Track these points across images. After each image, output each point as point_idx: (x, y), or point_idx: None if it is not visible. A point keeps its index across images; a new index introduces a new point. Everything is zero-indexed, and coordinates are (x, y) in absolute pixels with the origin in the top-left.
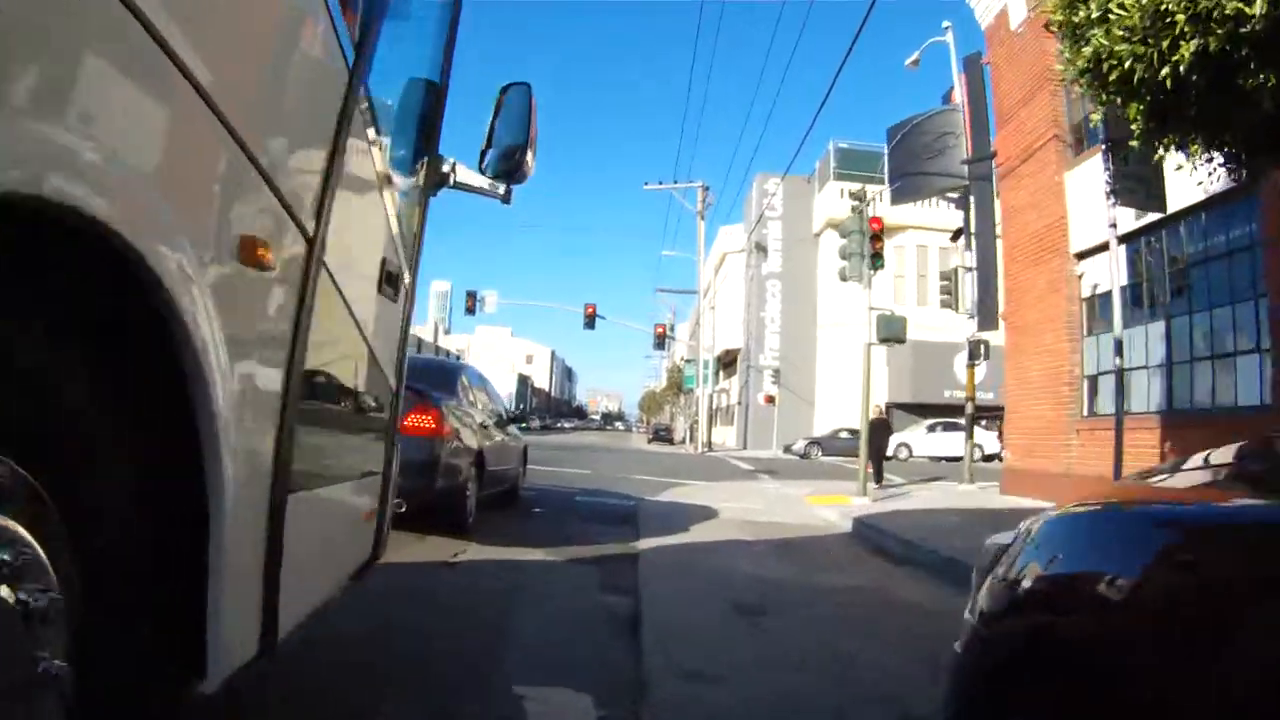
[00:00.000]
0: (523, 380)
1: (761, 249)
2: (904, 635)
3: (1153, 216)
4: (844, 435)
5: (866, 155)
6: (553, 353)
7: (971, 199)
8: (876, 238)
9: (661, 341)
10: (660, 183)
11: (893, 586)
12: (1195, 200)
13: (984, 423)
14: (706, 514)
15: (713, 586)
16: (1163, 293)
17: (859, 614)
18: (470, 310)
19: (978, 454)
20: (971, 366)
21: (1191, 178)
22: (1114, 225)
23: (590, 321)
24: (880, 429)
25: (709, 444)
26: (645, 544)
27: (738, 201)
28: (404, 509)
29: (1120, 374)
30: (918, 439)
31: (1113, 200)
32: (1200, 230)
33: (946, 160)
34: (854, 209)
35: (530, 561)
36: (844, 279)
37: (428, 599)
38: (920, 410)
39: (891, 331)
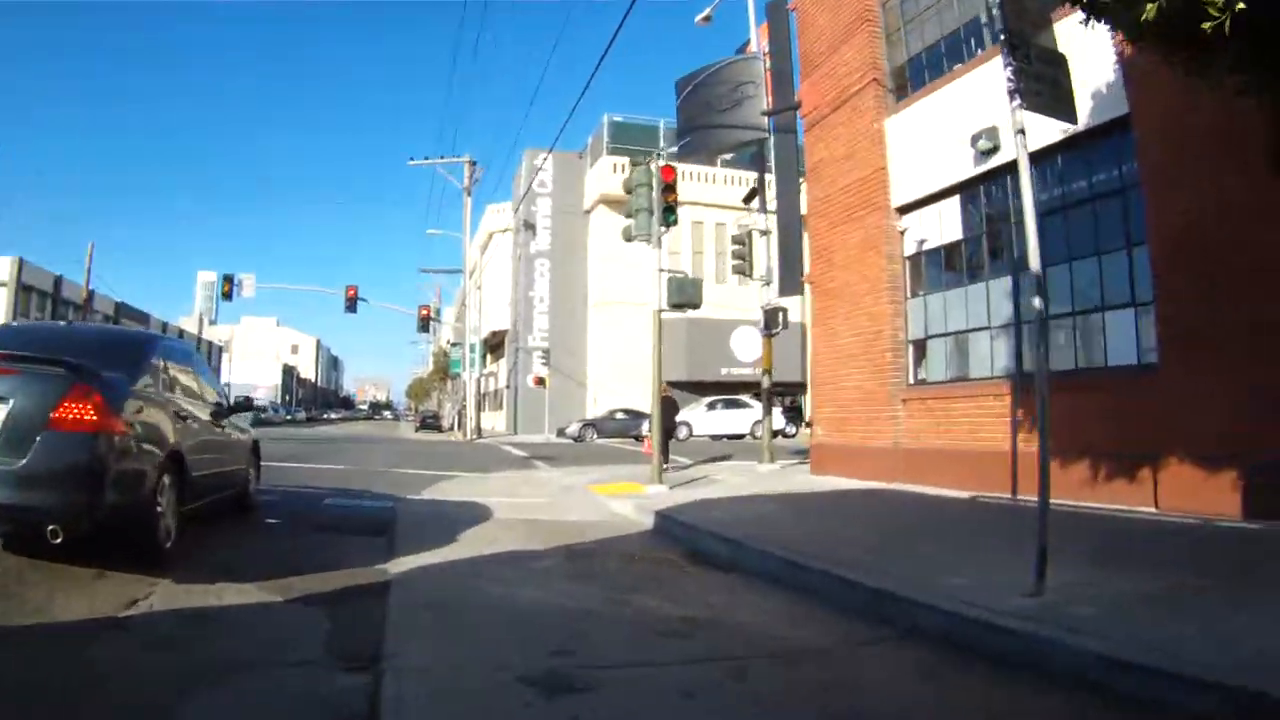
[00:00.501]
0: (288, 370)
1: (530, 226)
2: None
3: (995, 161)
4: (619, 416)
5: (642, 129)
6: (318, 341)
7: (770, 157)
8: (670, 189)
9: (426, 324)
10: (426, 158)
11: (740, 611)
12: (1052, 141)
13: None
14: (479, 515)
15: (494, 636)
16: (1012, 245)
17: (719, 677)
18: (228, 295)
19: (759, 431)
20: (769, 336)
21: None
22: (1020, 133)
23: (352, 304)
24: (668, 408)
25: (479, 430)
26: (401, 565)
27: (505, 178)
28: (59, 538)
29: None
30: (697, 417)
31: (1016, 101)
32: (1057, 175)
33: (744, 112)
34: (635, 162)
35: (238, 608)
36: (629, 238)
37: (59, 701)
38: (697, 388)
39: (685, 296)
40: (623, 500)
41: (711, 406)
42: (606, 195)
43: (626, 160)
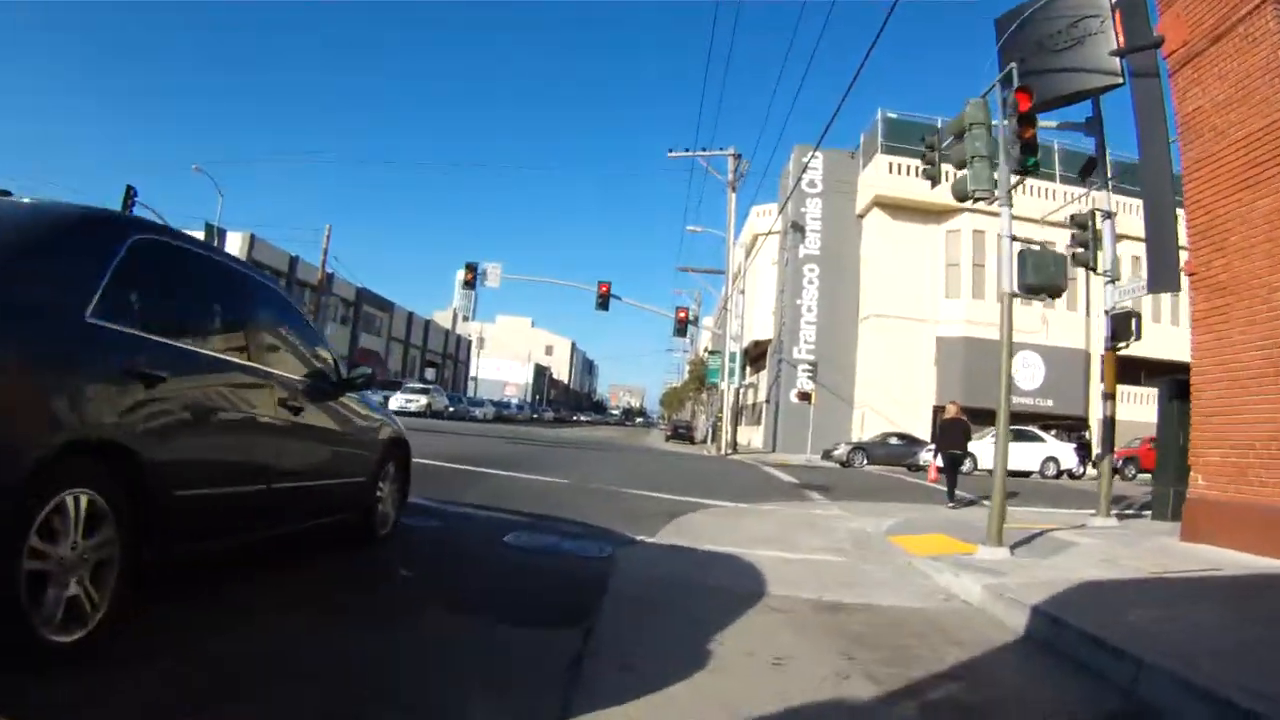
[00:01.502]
0: (540, 370)
1: (798, 229)
2: None
3: None
4: (893, 441)
5: (920, 127)
6: (573, 344)
7: (1105, 117)
8: (1028, 121)
9: (683, 327)
10: (687, 150)
11: None
12: None
13: (1055, 432)
14: (745, 588)
15: None
16: None
17: None
18: (470, 284)
19: (1051, 469)
20: (1113, 350)
21: None
22: None
23: (604, 301)
24: (959, 432)
25: (734, 445)
26: None
27: (770, 178)
28: None
29: None
30: (981, 449)
31: None
32: None
33: (1087, 52)
34: (974, 103)
35: None
36: (963, 196)
37: None
38: (972, 416)
39: (1044, 276)
40: (952, 568)
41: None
42: (882, 197)
43: (904, 160)
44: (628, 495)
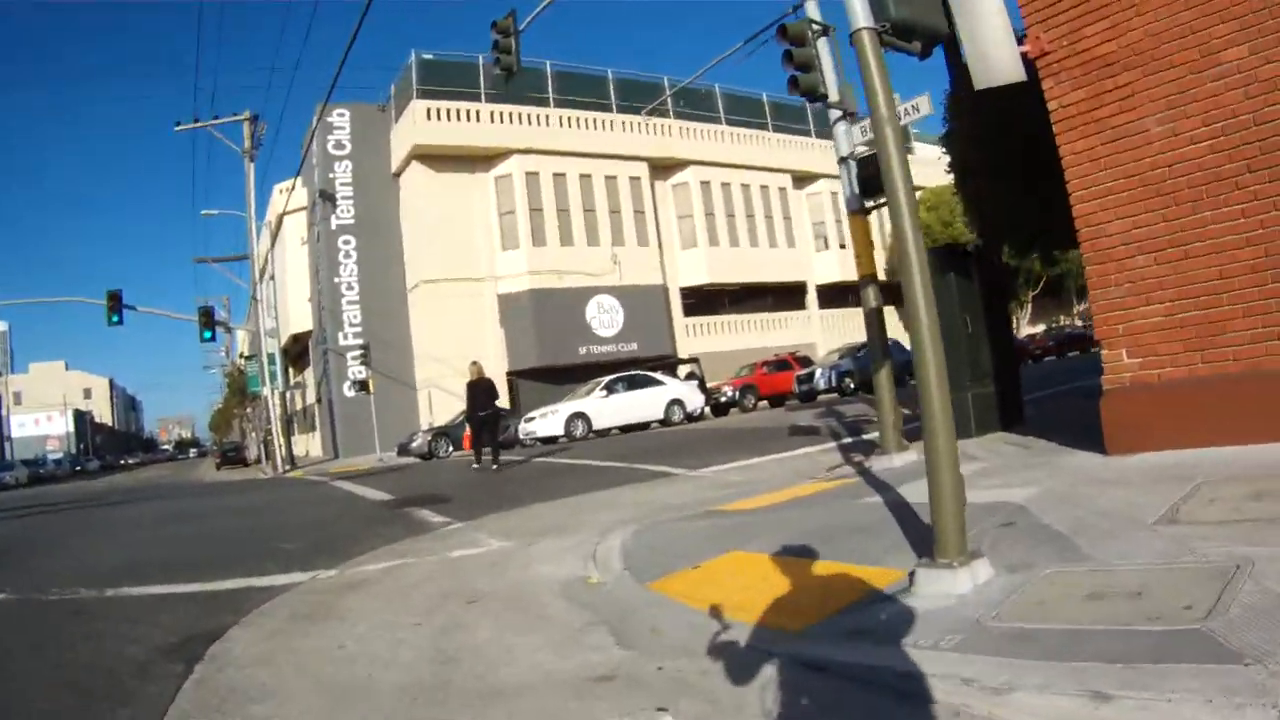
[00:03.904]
0: (79, 416)
1: (328, 197)
2: None
3: None
4: (499, 414)
5: (459, 67)
6: (110, 381)
7: None
8: None
9: (210, 326)
10: (196, 119)
11: None
12: None
13: (681, 375)
14: None
15: None
16: None
17: None
18: None
19: (678, 414)
20: (865, 211)
21: None
22: None
23: (116, 311)
24: (480, 395)
25: (291, 459)
26: None
27: (289, 147)
28: None
29: None
30: (594, 407)
31: None
32: None
33: None
34: None
35: None
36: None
37: None
38: (554, 375)
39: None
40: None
41: (610, 389)
42: (421, 147)
43: (444, 104)
44: (110, 604)
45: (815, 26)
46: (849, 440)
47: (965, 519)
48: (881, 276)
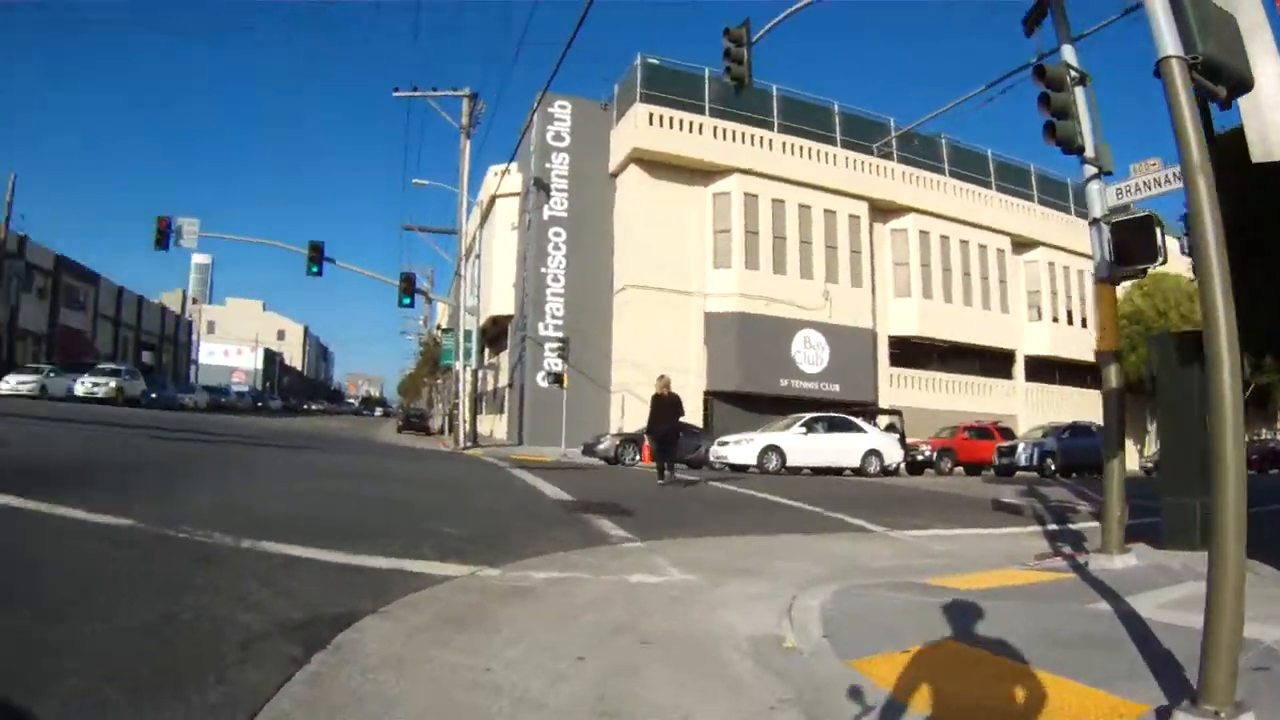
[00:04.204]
0: (270, 356)
1: (543, 187)
2: None
3: None
4: (679, 432)
5: (683, 75)
6: (305, 329)
7: None
8: None
9: (410, 294)
10: (415, 88)
11: None
12: None
13: (879, 422)
14: None
15: None
16: None
17: None
18: (162, 243)
19: (874, 465)
20: (1114, 281)
21: None
22: None
23: (317, 262)
24: (666, 410)
25: (474, 436)
26: None
27: (505, 132)
28: None
29: None
30: (791, 442)
31: None
32: None
33: None
34: None
35: None
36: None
37: None
38: (751, 403)
39: (1222, 41)
40: None
41: (810, 428)
42: (641, 151)
43: (667, 111)
44: (242, 557)
45: (1073, 73)
46: (1054, 527)
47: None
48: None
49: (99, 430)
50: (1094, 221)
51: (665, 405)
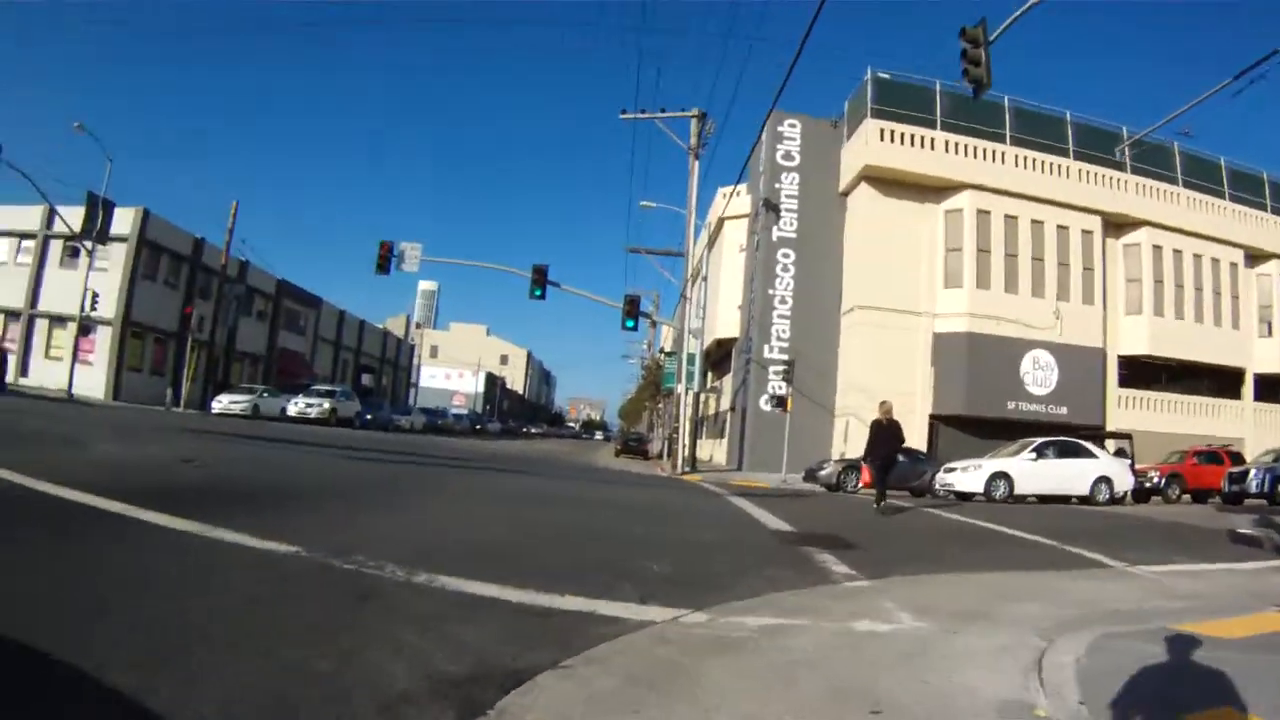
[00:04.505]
0: (491, 380)
1: (772, 207)
2: None
3: None
4: (898, 459)
5: (913, 90)
6: (529, 353)
7: None
8: None
9: (634, 316)
10: (643, 110)
11: None
12: None
13: (1109, 446)
14: None
15: None
16: None
17: None
18: (384, 268)
19: (1104, 493)
20: None
21: None
22: None
23: (540, 286)
24: (886, 436)
25: (692, 462)
26: None
27: (730, 154)
28: None
29: None
30: (1019, 468)
31: None
32: None
33: None
34: None
35: None
36: None
37: None
38: (975, 426)
39: None
40: None
41: (1040, 453)
42: (872, 169)
43: (898, 127)
44: (411, 594)
45: None
46: None
47: None
48: None
49: (299, 450)
50: None
51: (885, 432)
